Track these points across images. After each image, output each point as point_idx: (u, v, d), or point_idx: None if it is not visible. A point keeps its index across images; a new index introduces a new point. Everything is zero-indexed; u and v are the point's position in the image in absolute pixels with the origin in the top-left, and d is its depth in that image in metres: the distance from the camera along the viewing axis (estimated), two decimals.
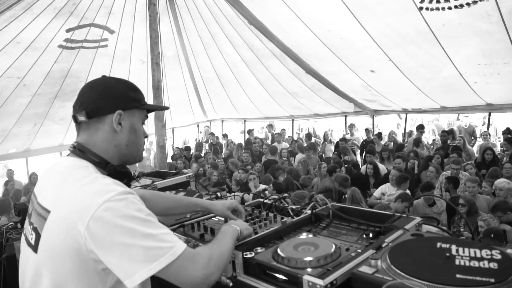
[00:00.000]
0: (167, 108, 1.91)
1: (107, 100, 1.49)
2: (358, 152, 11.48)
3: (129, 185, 1.50)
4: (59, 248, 1.29)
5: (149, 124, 11.59)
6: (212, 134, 14.77)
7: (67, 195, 1.33)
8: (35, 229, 1.39)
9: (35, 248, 1.36)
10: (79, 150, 1.48)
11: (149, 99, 8.00)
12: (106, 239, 1.24)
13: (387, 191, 6.93)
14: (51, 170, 1.54)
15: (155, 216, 1.35)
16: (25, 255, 1.45)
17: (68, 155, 1.52)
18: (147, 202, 1.45)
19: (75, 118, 1.50)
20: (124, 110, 1.50)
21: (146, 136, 1.64)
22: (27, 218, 1.54)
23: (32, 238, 1.40)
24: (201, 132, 16.79)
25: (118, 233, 1.24)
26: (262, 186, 7.23)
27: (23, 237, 1.53)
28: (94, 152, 1.47)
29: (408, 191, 6.55)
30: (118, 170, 1.49)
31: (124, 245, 1.24)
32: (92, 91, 1.51)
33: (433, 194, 6.05)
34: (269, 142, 13.42)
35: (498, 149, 9.29)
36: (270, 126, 14.64)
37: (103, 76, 1.59)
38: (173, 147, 14.18)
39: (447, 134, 9.89)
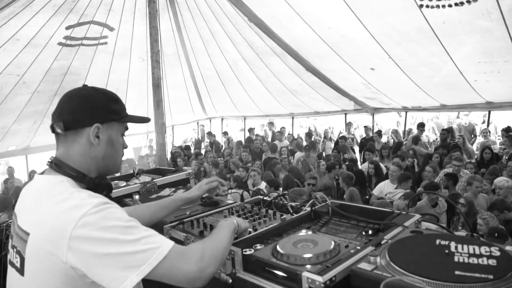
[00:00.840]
0: (147, 120, 1.77)
1: (85, 112, 1.46)
2: (357, 149, 11.52)
3: (109, 196, 1.49)
4: (44, 269, 1.28)
5: (150, 122, 11.64)
6: (209, 133, 14.78)
7: (44, 215, 1.30)
8: (18, 252, 1.37)
9: (21, 271, 1.35)
10: (55, 165, 1.45)
11: (149, 97, 8.03)
12: (89, 254, 1.23)
13: (386, 189, 6.93)
14: (28, 189, 1.52)
15: (136, 220, 1.34)
16: (13, 277, 1.42)
17: (44, 171, 1.51)
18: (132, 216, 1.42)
19: (52, 128, 1.48)
20: (102, 123, 1.47)
21: (125, 147, 1.63)
22: (10, 239, 1.52)
23: (17, 261, 1.38)
24: (194, 130, 16.78)
25: (100, 246, 1.23)
26: (263, 184, 7.23)
27: (8, 260, 1.50)
28: (70, 166, 1.44)
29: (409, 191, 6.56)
30: (97, 182, 1.47)
31: (109, 255, 1.23)
32: (70, 101, 1.48)
33: (435, 193, 6.04)
34: (269, 139, 13.44)
35: (497, 147, 9.29)
36: (271, 124, 14.64)
37: (84, 86, 1.57)
38: (172, 144, 14.18)
39: (447, 133, 9.90)
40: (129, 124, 1.64)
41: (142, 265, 1.24)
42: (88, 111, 1.46)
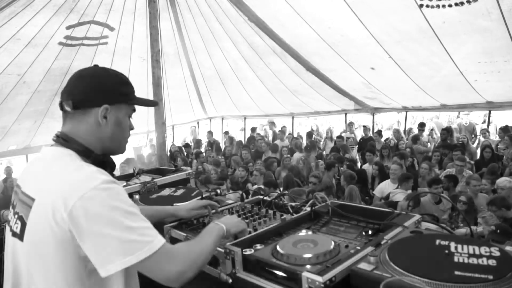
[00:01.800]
0: (156, 103, 1.84)
1: (95, 93, 1.48)
2: (355, 149, 11.52)
3: (112, 175, 1.51)
4: (43, 234, 1.29)
5: (149, 121, 11.61)
6: (209, 132, 14.79)
7: (52, 182, 1.33)
8: (20, 218, 1.39)
9: (20, 236, 1.37)
10: (62, 139, 1.47)
11: (149, 96, 8.02)
12: (86, 226, 1.24)
13: (387, 189, 6.92)
14: (34, 160, 1.56)
15: (137, 207, 1.36)
16: (11, 244, 1.45)
17: (51, 146, 1.52)
18: None
19: (61, 105, 1.49)
20: (111, 105, 1.49)
21: (132, 129, 1.65)
22: (11, 208, 1.54)
23: (17, 227, 1.40)
24: (194, 126, 16.77)
25: (99, 222, 1.24)
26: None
27: (7, 228, 1.52)
28: (78, 141, 1.47)
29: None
30: (102, 159, 1.50)
31: (103, 234, 1.24)
32: (81, 81, 1.51)
33: (435, 192, 6.03)
34: (270, 139, 13.45)
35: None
36: (272, 124, 14.64)
37: (95, 66, 1.58)
38: (172, 144, 14.17)
39: (447, 132, 9.91)
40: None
41: (130, 255, 1.26)
42: (98, 91, 1.48)
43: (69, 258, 1.30)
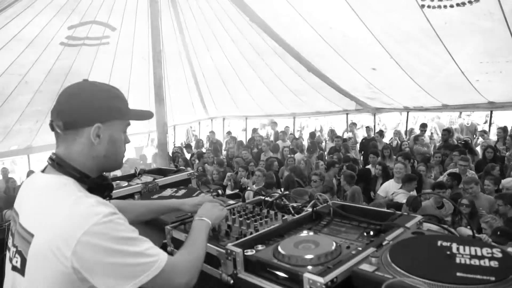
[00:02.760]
0: (151, 115, 1.71)
1: (86, 112, 1.42)
2: (356, 149, 11.52)
3: (110, 196, 1.52)
4: (46, 271, 1.27)
5: (151, 121, 11.61)
6: (212, 132, 14.80)
7: (50, 218, 1.30)
8: (19, 253, 1.36)
9: (21, 271, 1.34)
10: (57, 164, 1.43)
11: (151, 97, 8.04)
12: (93, 262, 1.24)
13: (391, 188, 6.90)
14: (30, 187, 1.50)
15: (136, 230, 1.35)
16: (11, 277, 1.41)
17: (45, 168, 1.49)
18: (120, 212, 1.43)
19: (51, 126, 1.46)
20: (103, 122, 1.44)
21: (128, 142, 1.60)
22: (10, 237, 1.50)
23: (17, 261, 1.37)
24: (190, 127, 16.79)
25: (106, 256, 1.24)
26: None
27: (7, 259, 1.49)
28: (72, 166, 1.43)
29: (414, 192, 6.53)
30: (99, 183, 1.47)
31: (112, 265, 1.25)
32: (70, 100, 1.45)
33: (435, 193, 6.02)
34: (271, 139, 13.45)
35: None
36: (274, 124, 14.65)
37: (85, 81, 1.53)
38: (174, 144, 14.18)
39: (448, 133, 9.90)
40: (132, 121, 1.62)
41: (140, 276, 1.28)
42: (89, 110, 1.42)
43: None
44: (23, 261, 1.33)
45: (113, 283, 1.26)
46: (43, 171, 1.50)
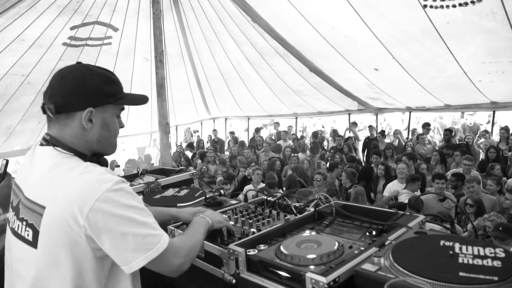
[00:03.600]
0: (146, 99, 1.65)
1: (78, 96, 1.40)
2: (359, 148, 11.54)
3: None
4: (59, 240, 1.29)
5: (153, 121, 11.62)
6: (214, 130, 14.82)
7: (61, 188, 1.31)
8: (31, 226, 1.36)
9: (34, 244, 1.35)
10: (52, 145, 1.43)
11: (153, 97, 8.03)
12: (105, 228, 1.26)
13: (395, 188, 6.89)
14: (31, 160, 1.49)
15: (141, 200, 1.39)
16: (20, 251, 1.41)
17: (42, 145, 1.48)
18: None
19: (43, 109, 1.45)
20: (96, 107, 1.42)
21: (122, 127, 1.58)
22: (11, 210, 1.50)
23: (28, 234, 1.37)
24: (189, 127, 16.74)
25: (117, 223, 1.27)
26: (261, 185, 7.23)
27: (9, 232, 1.49)
28: (67, 146, 1.42)
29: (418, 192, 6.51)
30: (96, 160, 1.48)
31: (123, 234, 1.27)
32: (62, 83, 1.43)
33: (440, 193, 6.00)
34: (274, 138, 13.47)
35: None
36: (277, 124, 14.67)
37: (78, 64, 1.51)
38: (176, 145, 14.18)
39: (450, 133, 9.90)
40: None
41: (151, 250, 1.31)
42: (81, 95, 1.41)
43: (87, 262, 1.32)
44: (36, 233, 1.34)
45: (123, 256, 1.29)
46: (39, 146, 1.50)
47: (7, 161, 1.81)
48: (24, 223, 1.40)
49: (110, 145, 1.54)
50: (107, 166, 1.53)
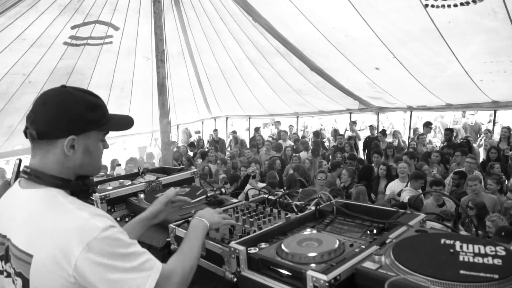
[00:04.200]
0: (131, 122, 1.64)
1: (60, 124, 1.38)
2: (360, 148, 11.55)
3: (94, 191, 1.64)
4: (50, 286, 1.28)
5: (154, 121, 11.62)
6: (215, 130, 14.82)
7: (46, 235, 1.28)
8: (19, 274, 1.34)
9: None
10: (35, 177, 1.40)
11: (154, 96, 8.04)
12: (94, 278, 1.25)
13: (397, 188, 6.88)
14: (12, 205, 1.45)
15: (134, 241, 1.35)
16: None
17: (21, 182, 1.45)
18: None
19: (25, 133, 1.42)
20: (78, 135, 1.41)
21: (106, 148, 1.57)
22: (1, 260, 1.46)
23: (18, 283, 1.35)
24: (197, 132, 16.74)
25: (105, 272, 1.25)
26: (261, 185, 7.22)
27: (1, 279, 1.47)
28: (51, 175, 1.40)
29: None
30: (81, 184, 1.47)
31: (111, 281, 1.26)
32: (45, 109, 1.40)
33: (440, 192, 6.00)
34: (275, 138, 13.48)
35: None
36: (278, 123, 14.67)
37: (63, 87, 1.48)
38: (177, 146, 14.18)
39: (450, 132, 9.90)
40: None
41: None
42: (63, 122, 1.39)
43: None
44: (26, 281, 1.32)
45: None
46: (20, 184, 1.46)
47: (20, 160, 1.80)
48: (13, 271, 1.38)
49: (94, 169, 1.53)
50: (93, 187, 1.55)
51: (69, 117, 1.40)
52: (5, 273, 1.44)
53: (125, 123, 1.62)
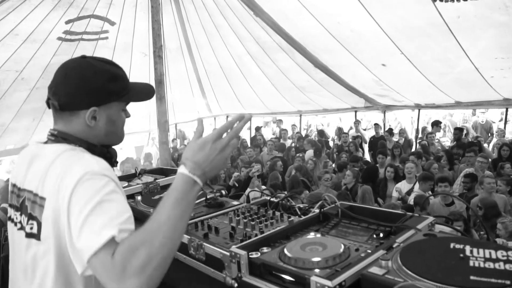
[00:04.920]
0: (152, 90, 1.74)
1: (80, 96, 1.46)
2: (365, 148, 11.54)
3: (116, 162, 1.62)
4: (56, 231, 1.31)
5: (151, 120, 11.61)
6: (215, 129, 14.78)
7: (54, 178, 1.34)
8: (35, 218, 1.39)
9: (38, 236, 1.37)
10: (62, 138, 1.47)
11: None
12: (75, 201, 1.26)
13: (404, 189, 6.86)
14: (33, 157, 1.51)
15: (119, 192, 1.31)
16: (25, 245, 1.43)
17: (46, 142, 1.52)
18: None
19: (48, 104, 1.50)
20: (100, 106, 1.48)
21: (128, 116, 1.65)
22: (12, 210, 1.54)
23: (32, 227, 1.40)
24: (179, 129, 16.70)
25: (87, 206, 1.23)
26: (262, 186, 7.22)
27: (13, 228, 1.52)
28: (78, 138, 1.48)
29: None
30: (106, 150, 1.56)
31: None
32: (66, 81, 1.48)
33: (452, 195, 5.98)
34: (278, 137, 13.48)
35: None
36: (280, 121, 14.66)
37: (83, 58, 1.54)
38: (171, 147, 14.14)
39: (459, 132, 9.89)
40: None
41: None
42: (84, 95, 1.46)
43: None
44: (39, 225, 1.37)
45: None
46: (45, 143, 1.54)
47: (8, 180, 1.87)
48: (26, 216, 1.44)
49: (118, 137, 1.62)
50: (116, 156, 1.62)
51: (90, 89, 1.47)
52: (18, 225, 1.49)
53: (146, 92, 1.73)
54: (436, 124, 10.84)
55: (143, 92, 1.70)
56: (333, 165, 8.89)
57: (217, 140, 1.34)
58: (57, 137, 1.49)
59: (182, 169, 1.25)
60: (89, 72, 1.48)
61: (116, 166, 1.61)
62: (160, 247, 1.12)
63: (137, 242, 1.13)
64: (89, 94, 1.46)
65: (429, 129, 11.35)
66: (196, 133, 1.36)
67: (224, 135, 1.36)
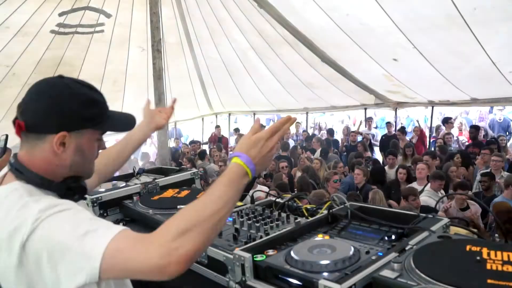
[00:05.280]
0: (133, 121, 1.64)
1: (50, 118, 1.36)
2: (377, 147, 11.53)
3: (84, 198, 1.53)
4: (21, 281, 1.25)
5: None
6: (218, 127, 14.83)
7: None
8: None
9: None
10: (16, 170, 1.38)
11: (150, 89, 8.04)
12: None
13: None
14: None
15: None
16: None
17: (5, 175, 1.43)
18: (104, 168, 1.67)
19: (14, 123, 1.39)
20: (71, 132, 1.38)
21: (103, 149, 1.55)
22: None
23: None
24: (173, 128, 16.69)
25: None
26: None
27: None
28: (34, 172, 1.38)
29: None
30: (66, 186, 1.42)
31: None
32: (36, 100, 1.39)
33: (463, 193, 5.96)
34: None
35: None
36: None
37: (60, 78, 1.47)
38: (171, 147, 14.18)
39: (475, 130, 9.87)
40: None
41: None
42: (54, 117, 1.36)
43: None
44: None
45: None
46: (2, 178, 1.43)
47: (7, 136, 1.79)
48: None
49: (84, 171, 1.50)
50: (84, 192, 1.50)
51: (62, 112, 1.37)
52: None
53: (125, 123, 1.61)
54: (446, 121, 10.81)
55: (122, 122, 1.58)
56: (342, 167, 8.88)
57: (270, 138, 1.40)
58: (12, 167, 1.39)
59: (236, 160, 1.35)
60: (64, 93, 1.40)
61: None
62: (209, 216, 1.24)
63: (186, 208, 1.28)
64: (60, 117, 1.36)
65: (442, 128, 11.32)
66: (251, 130, 1.43)
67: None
